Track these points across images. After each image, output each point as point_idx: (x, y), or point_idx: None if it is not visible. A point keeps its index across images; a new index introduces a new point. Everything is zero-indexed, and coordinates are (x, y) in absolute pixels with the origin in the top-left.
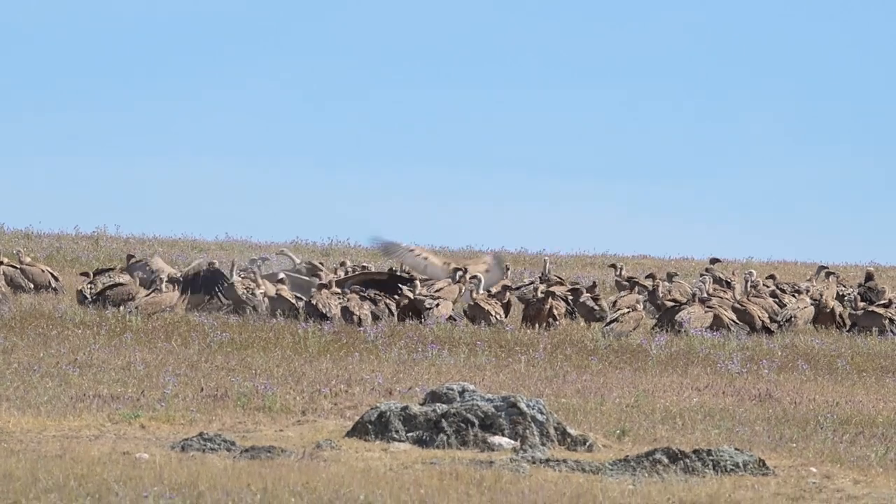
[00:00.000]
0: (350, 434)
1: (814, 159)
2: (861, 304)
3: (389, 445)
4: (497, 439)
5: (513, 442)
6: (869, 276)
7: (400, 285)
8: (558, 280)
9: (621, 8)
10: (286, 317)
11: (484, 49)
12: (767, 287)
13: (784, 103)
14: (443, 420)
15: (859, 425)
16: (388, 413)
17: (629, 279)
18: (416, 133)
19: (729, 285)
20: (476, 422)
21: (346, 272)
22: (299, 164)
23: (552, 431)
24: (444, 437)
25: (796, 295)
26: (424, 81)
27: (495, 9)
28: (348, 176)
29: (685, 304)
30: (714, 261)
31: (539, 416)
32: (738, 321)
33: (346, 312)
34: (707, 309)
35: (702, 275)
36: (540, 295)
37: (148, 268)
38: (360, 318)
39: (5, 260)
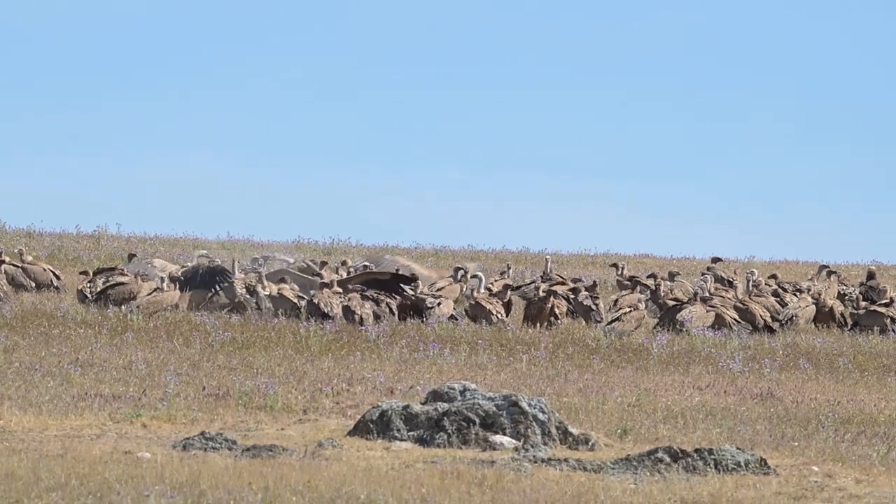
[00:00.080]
0: (351, 433)
1: (815, 158)
2: (863, 304)
3: (391, 444)
4: (498, 438)
5: (514, 441)
6: (870, 275)
7: (402, 285)
8: (560, 279)
9: (622, 8)
10: (288, 316)
11: (484, 49)
12: (769, 286)
13: (785, 103)
14: (444, 419)
15: (861, 424)
16: (390, 412)
17: (631, 278)
18: (418, 132)
19: (731, 284)
20: (477, 421)
21: (348, 272)
22: (301, 163)
23: (554, 430)
24: (446, 436)
25: (798, 294)
26: (425, 81)
27: (496, 9)
28: (350, 175)
29: (687, 303)
30: (716, 260)
31: (540, 415)
32: (739, 320)
33: (348, 312)
34: (709, 308)
35: (703, 274)
36: (541, 294)
37: (150, 266)
38: (361, 318)
39: (7, 259)
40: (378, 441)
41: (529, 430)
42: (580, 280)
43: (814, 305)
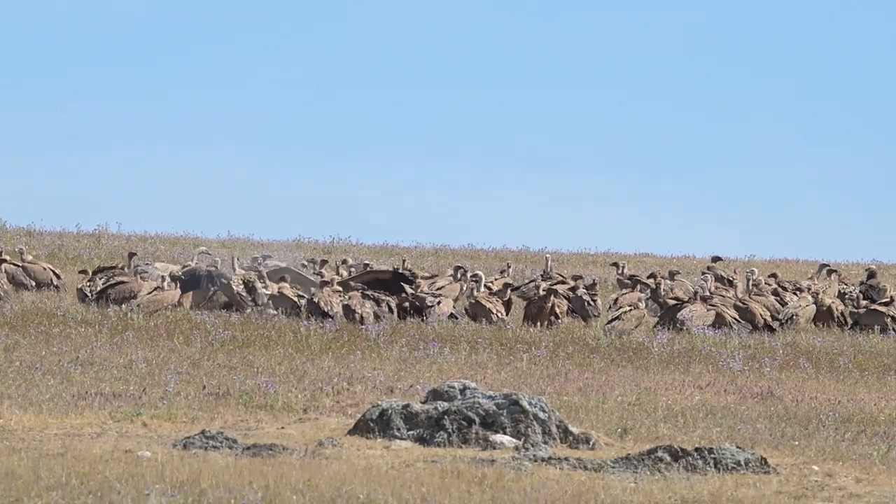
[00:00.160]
0: (352, 432)
1: (816, 158)
2: (863, 303)
3: (391, 443)
4: (499, 437)
5: (514, 440)
6: (871, 274)
7: (403, 284)
8: (560, 278)
9: (622, 8)
10: (288, 315)
11: (485, 48)
12: (769, 285)
13: (786, 102)
14: (444, 418)
15: (861, 423)
16: (390, 411)
17: (631, 277)
18: (418, 131)
19: (731, 283)
20: (477, 420)
21: (349, 271)
22: (301, 162)
23: (554, 429)
24: (446, 435)
25: (798, 293)
26: (426, 80)
27: (496, 9)
28: (350, 174)
29: (687, 302)
30: (716, 259)
31: (541, 414)
32: (739, 319)
33: (348, 310)
34: (709, 307)
35: (704, 273)
36: (542, 293)
37: (153, 269)
38: (361, 317)
39: (7, 258)
40: (378, 440)
41: (530, 429)
42: (581, 278)
43: (814, 305)
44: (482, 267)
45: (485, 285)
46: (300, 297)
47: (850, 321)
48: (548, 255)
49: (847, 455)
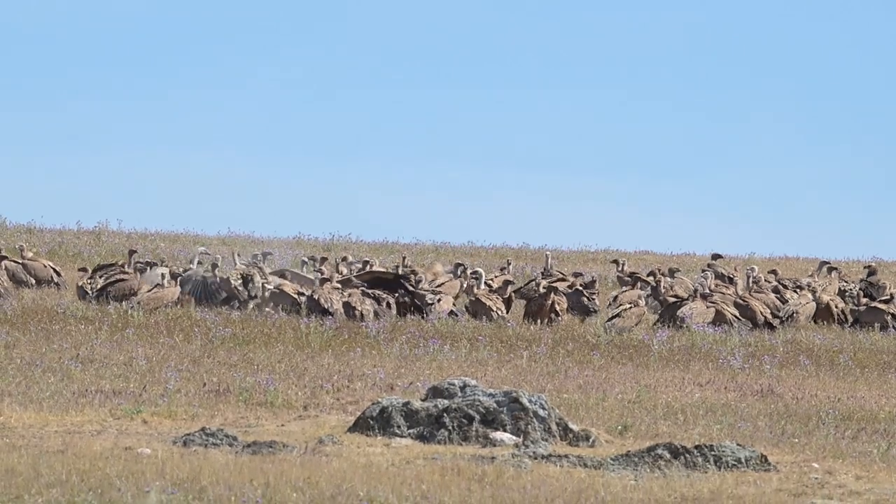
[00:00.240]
0: (352, 429)
1: (816, 155)
2: (863, 300)
3: (391, 441)
4: (499, 435)
5: (514, 437)
6: (871, 272)
7: (404, 283)
8: (560, 276)
9: (622, 8)
10: (288, 312)
11: (485, 48)
12: (769, 283)
13: (786, 100)
14: (444, 415)
15: (861, 421)
16: (390, 408)
17: (631, 275)
18: (418, 129)
19: (731, 281)
20: (478, 417)
21: (349, 268)
22: (301, 159)
23: (554, 427)
24: (446, 433)
25: (798, 291)
26: (426, 78)
27: (496, 9)
28: (350, 172)
29: (687, 299)
30: (716, 256)
31: (541, 412)
32: (740, 317)
33: (348, 308)
34: (709, 304)
35: (704, 270)
36: (542, 290)
37: (156, 276)
38: (361, 314)
39: (8, 255)
40: (378, 437)
41: (530, 427)
42: (581, 275)
43: (814, 302)
44: (482, 264)
45: (485, 283)
46: (300, 294)
47: (850, 319)
48: (548, 253)
49: (847, 452)
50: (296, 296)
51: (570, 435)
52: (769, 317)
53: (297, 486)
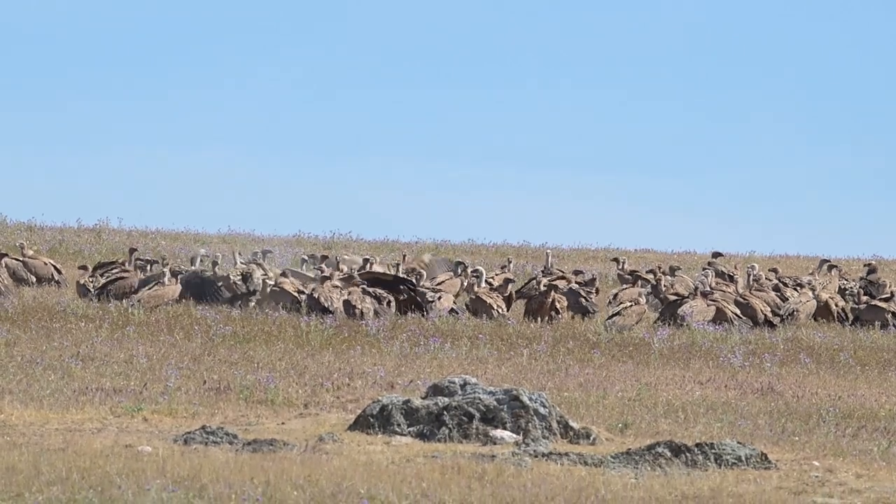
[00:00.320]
0: (352, 427)
1: (816, 154)
2: (864, 298)
3: (391, 439)
4: (499, 433)
5: (515, 435)
6: (871, 270)
7: (403, 284)
8: (560, 274)
9: (623, 7)
10: (288, 310)
11: (485, 47)
12: (770, 281)
13: (786, 99)
14: (444, 413)
15: (862, 419)
16: (390, 406)
17: (632, 273)
18: (419, 127)
19: (731, 279)
20: (478, 415)
21: (350, 266)
22: (302, 157)
23: (554, 425)
24: (446, 431)
25: (798, 289)
26: (426, 76)
27: (496, 9)
28: (350, 170)
29: (688, 297)
30: (717, 255)
31: (541, 410)
32: (740, 315)
33: (348, 306)
34: (710, 302)
35: (704, 268)
36: (542, 288)
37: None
38: (361, 312)
39: (8, 253)
40: (379, 435)
41: (530, 425)
42: (581, 272)
43: (815, 300)
44: (483, 262)
45: (485, 281)
46: (300, 292)
47: (850, 317)
48: (548, 251)
49: (847, 451)
50: (296, 294)
51: (571, 433)
52: (769, 315)
53: (297, 484)
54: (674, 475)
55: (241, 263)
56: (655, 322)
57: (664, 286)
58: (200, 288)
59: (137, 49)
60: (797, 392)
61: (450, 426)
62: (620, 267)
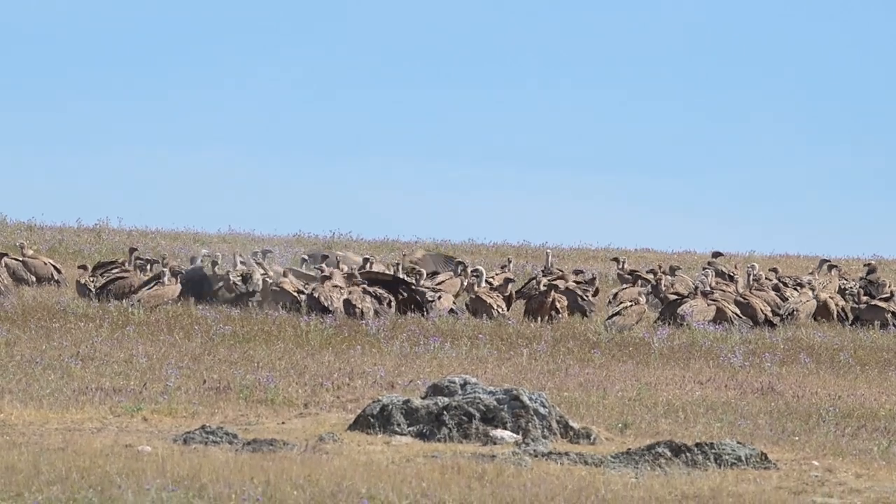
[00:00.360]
0: (352, 427)
1: (816, 153)
2: (864, 298)
3: (391, 439)
4: (499, 432)
5: (515, 435)
6: (871, 269)
7: (403, 285)
8: (560, 274)
9: (623, 7)
10: (288, 310)
11: (485, 45)
12: (770, 280)
13: (786, 99)
14: (444, 413)
15: (861, 419)
16: (390, 406)
17: (632, 272)
18: (419, 127)
19: (731, 279)
20: (478, 415)
21: (350, 266)
22: (302, 157)
23: (554, 425)
24: (446, 431)
25: (798, 288)
26: (426, 77)
27: (496, 9)
28: (351, 170)
29: (688, 297)
30: (717, 254)
31: (541, 410)
32: (740, 314)
33: (348, 305)
34: (710, 302)
35: (704, 268)
36: (542, 288)
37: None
38: (361, 312)
39: (8, 252)
40: (379, 435)
41: (530, 425)
42: (581, 272)
43: (815, 300)
44: (483, 262)
45: (486, 280)
46: (300, 292)
47: (850, 316)
48: (548, 251)
49: (847, 450)
50: (296, 293)
51: (571, 433)
52: (770, 315)
53: (297, 483)
54: (674, 475)
55: (242, 264)
56: (655, 322)
57: (664, 286)
58: (199, 285)
59: (137, 49)
60: (797, 392)
61: (450, 426)
62: (620, 267)
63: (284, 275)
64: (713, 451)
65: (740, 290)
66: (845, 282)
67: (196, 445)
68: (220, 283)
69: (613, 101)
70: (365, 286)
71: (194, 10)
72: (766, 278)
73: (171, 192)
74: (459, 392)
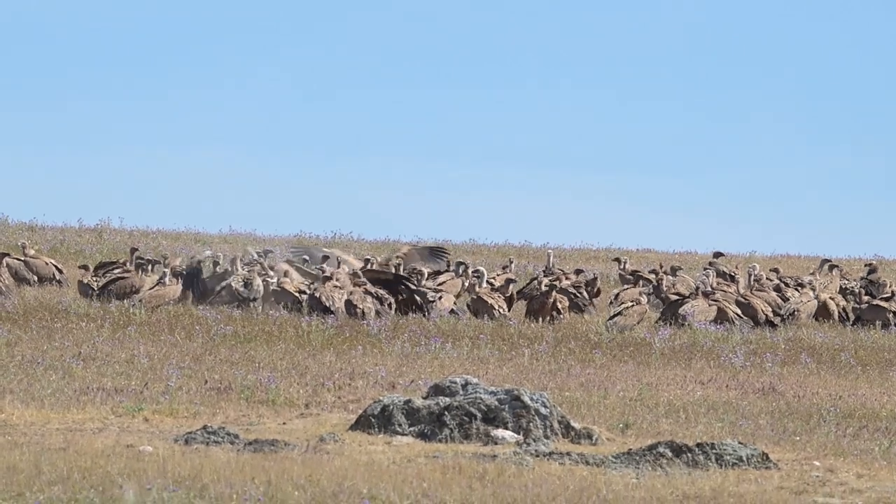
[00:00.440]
0: (353, 427)
1: (817, 154)
2: (865, 298)
3: (392, 439)
4: (500, 432)
5: (516, 435)
6: (872, 269)
7: (404, 284)
8: (562, 274)
9: (623, 7)
10: (289, 310)
11: (485, 45)
12: (771, 281)
13: (787, 99)
14: (446, 413)
15: (863, 419)
16: (392, 406)
17: (633, 273)
18: (420, 127)
19: (733, 279)
20: (479, 415)
21: (352, 269)
22: (303, 157)
23: (556, 425)
24: (448, 431)
25: (799, 289)
26: (426, 77)
27: (496, 9)
28: (351, 170)
29: (689, 297)
30: (718, 254)
31: (542, 410)
32: (741, 315)
33: (350, 306)
34: (711, 302)
35: (705, 268)
36: (544, 288)
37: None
38: (363, 312)
39: (10, 252)
40: (380, 435)
41: (531, 425)
42: (582, 272)
43: (816, 300)
44: (484, 262)
45: (487, 281)
46: (301, 292)
47: (851, 316)
48: (549, 251)
49: (848, 450)
50: (297, 294)
51: (572, 433)
52: (771, 315)
53: (298, 484)
54: (675, 475)
55: (243, 270)
56: (657, 322)
57: (665, 286)
58: (199, 283)
59: (137, 49)
60: (798, 392)
61: (451, 426)
62: (622, 267)
63: (286, 274)
64: (714, 451)
65: (741, 291)
66: (846, 282)
67: (197, 446)
68: (221, 288)
69: (613, 101)
70: (367, 286)
71: (194, 10)
72: (767, 278)
73: (172, 192)
74: (461, 392)
